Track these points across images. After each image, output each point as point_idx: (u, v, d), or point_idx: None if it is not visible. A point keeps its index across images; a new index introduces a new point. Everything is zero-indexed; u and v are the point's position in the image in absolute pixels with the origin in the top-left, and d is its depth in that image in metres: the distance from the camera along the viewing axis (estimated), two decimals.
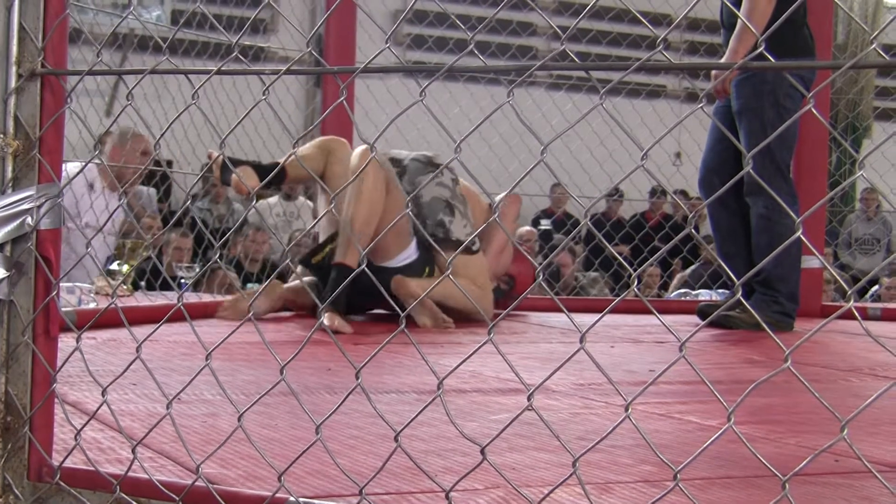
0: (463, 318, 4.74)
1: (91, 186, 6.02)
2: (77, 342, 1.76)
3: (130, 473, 1.67)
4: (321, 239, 4.88)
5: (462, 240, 4.96)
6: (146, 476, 1.66)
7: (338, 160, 4.81)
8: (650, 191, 10.56)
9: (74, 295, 4.51)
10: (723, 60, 4.77)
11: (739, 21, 4.73)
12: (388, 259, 4.74)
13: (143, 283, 5.80)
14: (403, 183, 4.96)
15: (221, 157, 4.68)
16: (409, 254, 4.80)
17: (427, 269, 4.78)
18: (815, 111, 1.27)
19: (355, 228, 4.50)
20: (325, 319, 4.25)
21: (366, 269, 1.50)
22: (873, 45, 1.20)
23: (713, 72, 4.94)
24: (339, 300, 4.43)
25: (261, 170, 4.66)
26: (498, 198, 4.82)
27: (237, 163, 4.73)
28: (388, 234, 4.66)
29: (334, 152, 4.85)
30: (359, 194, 4.58)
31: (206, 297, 5.36)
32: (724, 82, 4.85)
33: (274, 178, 4.74)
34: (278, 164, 4.76)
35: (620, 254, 8.99)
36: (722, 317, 4.92)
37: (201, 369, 1.65)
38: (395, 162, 5.00)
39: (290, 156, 4.34)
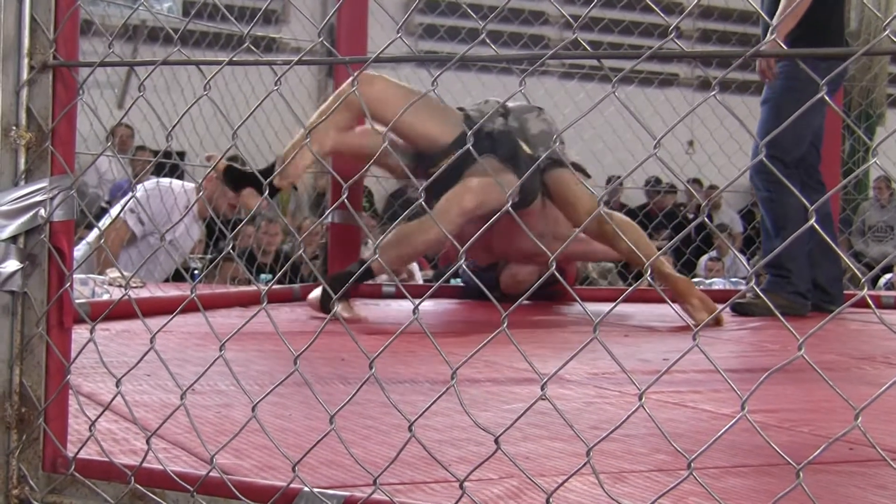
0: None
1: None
2: (91, 333, 1.77)
3: (145, 464, 1.68)
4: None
5: (577, 162, 5.19)
6: (161, 467, 1.66)
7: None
8: (646, 181, 10.62)
9: (88, 286, 4.52)
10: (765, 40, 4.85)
11: (782, 3, 4.82)
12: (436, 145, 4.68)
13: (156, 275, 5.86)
14: (509, 119, 4.98)
15: (225, 163, 4.64)
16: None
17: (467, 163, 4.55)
18: (827, 99, 1.27)
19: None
20: (341, 310, 4.26)
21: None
22: (886, 32, 1.19)
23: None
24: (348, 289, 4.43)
25: (263, 180, 4.54)
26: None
27: (244, 178, 4.60)
28: (429, 124, 4.64)
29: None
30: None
31: (220, 289, 5.36)
32: (768, 62, 4.92)
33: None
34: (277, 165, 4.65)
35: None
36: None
37: (215, 360, 1.65)
38: (496, 104, 5.03)
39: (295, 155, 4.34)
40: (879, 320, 1.20)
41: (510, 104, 5.08)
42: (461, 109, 4.88)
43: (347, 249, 5.42)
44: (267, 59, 1.73)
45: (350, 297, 4.64)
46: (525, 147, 4.81)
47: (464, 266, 1.46)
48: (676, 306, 4.59)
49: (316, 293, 4.60)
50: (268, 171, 4.53)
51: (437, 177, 4.14)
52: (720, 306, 4.75)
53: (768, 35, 4.84)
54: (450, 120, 4.69)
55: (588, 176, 5.26)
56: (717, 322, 4.58)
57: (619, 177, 8.87)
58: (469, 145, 1.42)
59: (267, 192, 1.72)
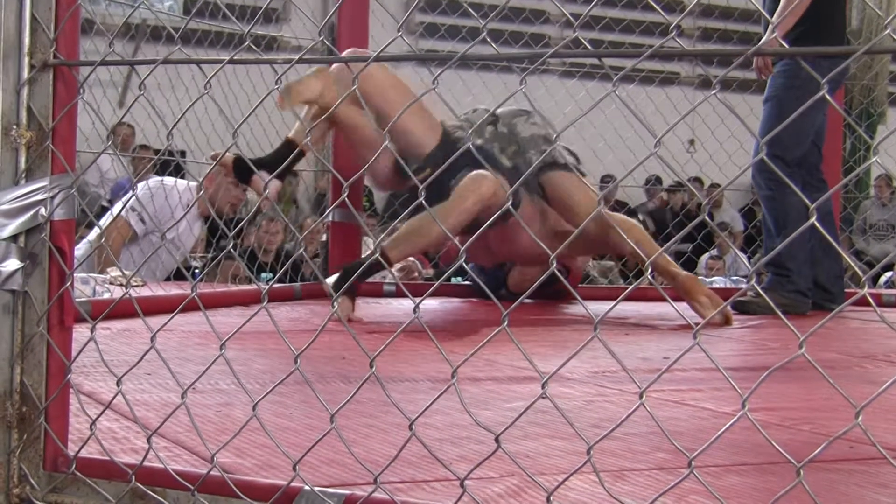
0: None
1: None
2: (91, 332, 1.77)
3: (146, 463, 1.68)
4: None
5: (570, 163, 5.12)
6: (161, 465, 1.66)
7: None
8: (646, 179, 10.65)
9: (89, 285, 4.52)
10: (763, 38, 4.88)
11: (782, 1, 4.84)
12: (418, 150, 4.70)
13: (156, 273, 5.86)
14: (499, 126, 5.01)
15: (233, 157, 4.67)
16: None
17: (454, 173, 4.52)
18: (828, 97, 1.27)
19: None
20: (339, 310, 4.24)
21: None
22: (888, 31, 1.19)
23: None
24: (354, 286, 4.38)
25: (274, 165, 4.57)
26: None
27: (250, 169, 4.64)
28: (417, 124, 4.64)
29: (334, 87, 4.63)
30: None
31: (220, 287, 5.36)
32: (765, 60, 4.94)
33: (290, 162, 4.69)
34: (289, 150, 4.67)
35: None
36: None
37: (216, 359, 1.65)
38: (485, 112, 5.07)
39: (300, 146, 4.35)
40: (880, 318, 1.20)
41: (498, 110, 5.07)
42: (442, 123, 4.87)
43: (348, 247, 5.43)
44: (267, 58, 1.73)
45: (356, 295, 4.58)
46: (504, 160, 4.82)
47: (464, 266, 1.46)
48: (680, 305, 4.58)
49: (334, 278, 4.60)
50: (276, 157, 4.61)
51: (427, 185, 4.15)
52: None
53: (768, 33, 4.86)
54: (432, 129, 4.72)
55: (583, 174, 5.24)
56: (726, 320, 4.57)
57: (615, 177, 8.86)
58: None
59: (272, 184, 1.72)
